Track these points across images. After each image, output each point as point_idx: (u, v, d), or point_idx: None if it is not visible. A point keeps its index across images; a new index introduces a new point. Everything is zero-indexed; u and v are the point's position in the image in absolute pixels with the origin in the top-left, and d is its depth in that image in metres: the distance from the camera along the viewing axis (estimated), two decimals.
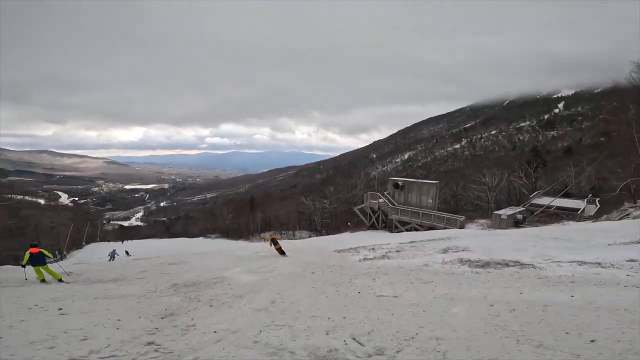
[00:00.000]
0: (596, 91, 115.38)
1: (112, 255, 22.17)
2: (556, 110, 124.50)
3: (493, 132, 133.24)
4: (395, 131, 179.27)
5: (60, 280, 8.39)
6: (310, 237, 38.41)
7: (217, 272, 9.16)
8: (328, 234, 31.50)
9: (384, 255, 11.34)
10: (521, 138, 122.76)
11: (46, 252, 8.64)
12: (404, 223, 24.66)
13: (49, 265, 8.75)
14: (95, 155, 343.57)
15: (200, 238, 48.96)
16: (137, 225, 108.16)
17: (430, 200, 25.12)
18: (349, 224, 32.11)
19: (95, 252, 28.89)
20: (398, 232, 23.80)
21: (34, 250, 8.38)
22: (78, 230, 41.63)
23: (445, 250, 11.12)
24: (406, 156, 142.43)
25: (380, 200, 26.94)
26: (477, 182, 34.64)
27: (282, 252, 13.04)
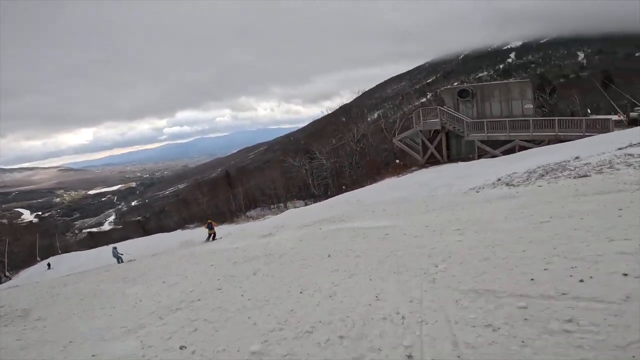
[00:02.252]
0: (542, 41, 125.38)
1: (117, 257, 16.94)
2: (509, 60, 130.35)
3: (455, 84, 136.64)
4: (359, 94, 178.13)
5: None
6: (306, 205, 34.74)
7: None
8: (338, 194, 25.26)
9: None
10: None
11: None
12: (496, 144, 17.13)
13: None
14: (46, 165, 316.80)
15: (178, 231, 45.05)
16: (109, 230, 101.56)
17: (529, 105, 17.91)
18: (393, 165, 23.11)
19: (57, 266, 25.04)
20: (490, 157, 16.66)
21: None
22: (26, 246, 36.69)
23: None
24: (376, 115, 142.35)
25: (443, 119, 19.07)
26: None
27: (213, 238, 13.43)
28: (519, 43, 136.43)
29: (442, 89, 21.78)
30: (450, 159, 19.03)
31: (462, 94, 18.96)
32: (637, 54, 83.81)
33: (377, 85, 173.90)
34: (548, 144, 15.31)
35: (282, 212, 30.13)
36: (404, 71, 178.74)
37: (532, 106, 18.03)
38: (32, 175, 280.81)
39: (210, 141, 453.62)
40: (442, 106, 19.92)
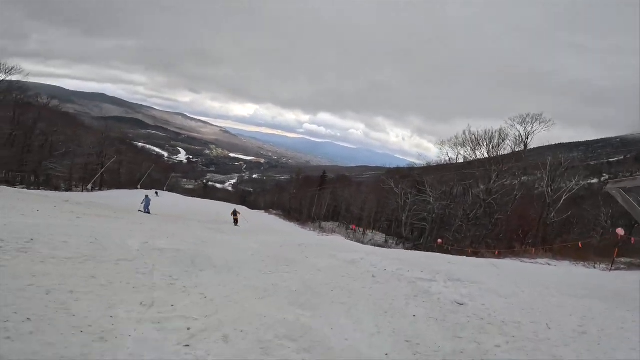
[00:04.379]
0: None
1: (146, 202, 17.93)
2: None
3: None
4: (508, 151, 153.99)
5: None
6: (387, 243, 29.23)
7: None
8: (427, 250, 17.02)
9: None
10: None
11: None
12: None
13: None
14: (214, 123, 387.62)
15: (262, 212, 45.73)
16: (220, 188, 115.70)
17: None
18: (584, 240, 13.88)
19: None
20: None
21: None
22: (137, 173, 42.90)
23: None
24: (522, 179, 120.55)
25: None
26: None
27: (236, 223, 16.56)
28: None
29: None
30: None
31: None
32: None
33: (536, 147, 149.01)
34: None
35: (358, 241, 25.29)
36: (581, 140, 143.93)
37: None
38: (202, 127, 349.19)
39: (339, 148, 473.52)
40: None
